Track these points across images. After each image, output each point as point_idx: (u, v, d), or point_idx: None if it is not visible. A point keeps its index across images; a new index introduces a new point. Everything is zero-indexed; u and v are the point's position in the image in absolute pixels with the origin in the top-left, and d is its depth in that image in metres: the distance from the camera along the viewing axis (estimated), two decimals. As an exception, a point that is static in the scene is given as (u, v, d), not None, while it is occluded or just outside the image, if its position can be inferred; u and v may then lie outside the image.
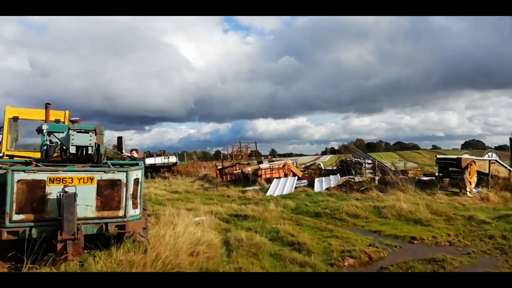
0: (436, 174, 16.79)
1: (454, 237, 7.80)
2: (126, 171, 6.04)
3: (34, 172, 5.53)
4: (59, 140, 6.24)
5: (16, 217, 5.45)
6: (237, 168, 23.90)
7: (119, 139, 8.38)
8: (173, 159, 33.73)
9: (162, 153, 35.03)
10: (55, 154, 6.50)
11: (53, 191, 5.59)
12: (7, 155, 7.14)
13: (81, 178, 5.78)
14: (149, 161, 31.36)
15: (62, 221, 5.34)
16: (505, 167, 15.00)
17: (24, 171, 5.49)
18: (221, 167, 27.72)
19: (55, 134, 6.22)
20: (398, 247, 7.24)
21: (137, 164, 6.74)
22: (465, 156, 14.50)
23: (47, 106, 6.93)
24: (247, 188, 18.78)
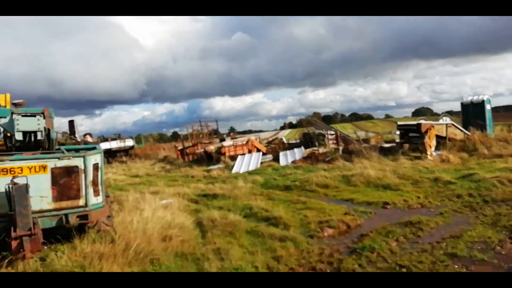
0: (397, 140, 17.27)
1: (424, 199, 7.95)
2: (84, 156, 5.45)
3: (-25, 164, 4.81)
4: (2, 126, 5.48)
5: (-43, 216, 4.74)
6: (199, 148, 23.29)
7: (71, 122, 7.63)
8: (129, 142, 32.33)
9: (118, 136, 33.41)
10: (-1, 143, 5.75)
11: (1, 183, 4.92)
12: None
13: (32, 167, 5.13)
14: (104, 146, 29.74)
15: (15, 216, 4.73)
16: (461, 130, 15.66)
17: (-39, 163, 4.75)
18: (181, 147, 26.95)
19: (-4, 119, 5.45)
20: (373, 213, 7.26)
21: (94, 148, 6.13)
22: (424, 121, 14.93)
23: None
24: (211, 167, 18.36)
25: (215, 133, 28.14)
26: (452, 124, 15.58)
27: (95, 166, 5.72)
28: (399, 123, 15.97)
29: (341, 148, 17.27)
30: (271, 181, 11.79)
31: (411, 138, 14.95)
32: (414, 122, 15.30)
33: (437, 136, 14.75)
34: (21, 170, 5.06)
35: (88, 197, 5.53)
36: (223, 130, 30.77)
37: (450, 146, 14.96)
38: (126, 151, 31.50)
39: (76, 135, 7.81)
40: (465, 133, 15.80)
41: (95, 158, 5.73)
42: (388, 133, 33.46)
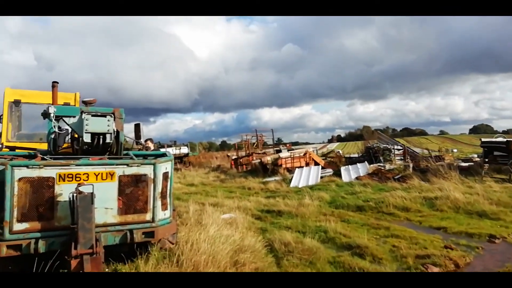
0: (475, 159, 15.44)
1: (540, 234, 6.54)
2: (154, 164, 4.84)
3: (40, 168, 4.34)
4: (70, 127, 5.03)
5: (18, 226, 4.27)
6: (254, 158, 22.66)
7: (137, 126, 7.14)
8: (184, 149, 32.66)
9: (173, 143, 33.93)
10: (65, 145, 5.30)
11: (64, 191, 4.41)
12: (6, 147, 5.92)
13: (99, 173, 4.59)
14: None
15: (77, 231, 4.17)
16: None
17: (27, 166, 4.29)
18: (236, 157, 26.52)
19: (64, 119, 5.00)
20: (480, 248, 5.99)
21: (165, 155, 5.53)
22: (516, 139, 13.11)
23: (54, 85, 5.69)
24: (267, 179, 17.58)
25: (273, 144, 27.38)
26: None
27: (165, 176, 5.11)
28: (483, 139, 14.20)
29: (411, 165, 15.73)
30: (339, 199, 10.70)
31: (497, 157, 13.16)
32: (503, 139, 13.48)
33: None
34: (87, 176, 4.53)
35: (156, 211, 4.89)
36: (270, 141, 29.94)
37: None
38: (181, 158, 31.77)
39: (141, 140, 7.32)
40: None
41: (166, 166, 5.12)
42: (445, 151, 30.96)
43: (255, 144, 28.39)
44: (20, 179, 4.25)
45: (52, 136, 4.92)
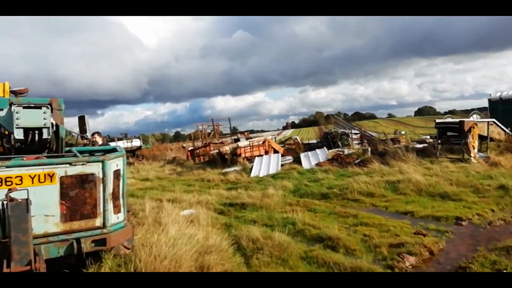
0: (428, 140, 15.95)
1: (502, 213, 6.64)
2: (103, 161, 4.18)
3: (-43, 172, 3.54)
4: None
5: None
6: (212, 149, 22.03)
7: (81, 119, 6.33)
8: (136, 142, 31.15)
9: (124, 136, 32.24)
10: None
11: (-8, 198, 3.65)
12: None
13: (35, 175, 3.87)
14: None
15: (10, 245, 3.46)
16: (502, 129, 14.30)
17: None
18: (192, 148, 25.71)
19: (-12, 112, 4.17)
20: (450, 232, 5.94)
21: (115, 150, 4.86)
22: (467, 119, 13.59)
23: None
24: (227, 170, 17.08)
25: (230, 133, 26.81)
26: (494, 122, 14.22)
27: (116, 174, 4.46)
28: (437, 120, 14.59)
29: (369, 149, 15.92)
30: (302, 188, 10.47)
31: (451, 137, 13.59)
32: (455, 120, 13.94)
33: (479, 136, 13.42)
34: (21, 180, 3.80)
35: (107, 215, 4.26)
36: (225, 130, 29.44)
37: (492, 147, 13.62)
38: (133, 151, 30.30)
39: (87, 134, 6.52)
40: (506, 132, 14.45)
41: (117, 163, 4.47)
42: (394, 133, 32.38)
43: (212, 134, 27.70)
44: None
45: (-28, 133, 4.08)
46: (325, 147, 17.66)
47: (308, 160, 16.16)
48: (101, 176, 4.17)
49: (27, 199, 3.53)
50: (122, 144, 30.00)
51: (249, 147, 19.23)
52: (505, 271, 4.22)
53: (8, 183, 3.72)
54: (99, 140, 8.52)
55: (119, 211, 4.50)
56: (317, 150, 17.50)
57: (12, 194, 3.52)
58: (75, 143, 6.54)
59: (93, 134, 8.65)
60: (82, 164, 4.06)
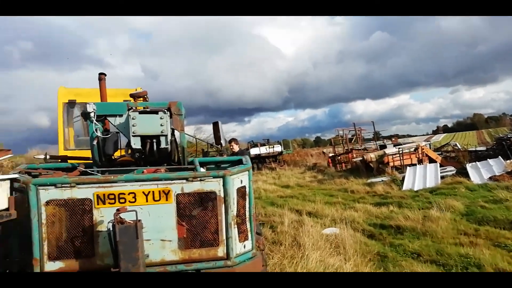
0: None
1: None
2: (223, 176, 3.34)
3: (71, 186, 3.14)
4: (117, 129, 3.81)
5: (50, 265, 3.13)
6: (355, 155, 20.30)
7: (215, 125, 5.78)
8: (278, 148, 31.46)
9: (266, 142, 33.00)
10: (118, 153, 4.14)
11: (106, 217, 3.17)
12: (54, 158, 4.96)
13: (149, 192, 3.25)
14: (254, 151, 29.59)
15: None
16: None
17: (54, 185, 3.13)
18: (333, 154, 24.40)
19: (110, 119, 3.80)
20: None
21: (240, 162, 4.02)
22: None
23: (101, 77, 4.58)
24: (373, 180, 15.23)
25: (375, 138, 24.55)
26: None
27: (241, 192, 3.59)
28: None
29: None
30: (478, 210, 8.08)
31: None
32: None
33: None
34: (134, 197, 3.22)
35: (231, 243, 3.40)
36: (367, 135, 26.93)
37: None
38: (275, 157, 30.69)
39: (222, 141, 5.91)
40: None
41: (241, 178, 3.60)
42: None
43: (353, 139, 25.83)
44: (48, 203, 3.11)
45: (95, 142, 3.73)
46: (500, 156, 14.12)
47: (479, 172, 13.07)
48: (222, 194, 3.35)
49: (136, 222, 2.91)
50: (265, 150, 30.75)
51: (398, 155, 16.88)
52: None
53: (121, 201, 3.19)
54: (235, 147, 8.04)
55: (245, 239, 3.62)
56: (489, 160, 14.12)
57: (122, 215, 2.97)
58: (206, 151, 6.07)
59: (229, 142, 8.23)
60: (200, 180, 3.30)
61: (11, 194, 3.10)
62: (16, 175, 3.16)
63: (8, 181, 3.06)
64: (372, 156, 17.98)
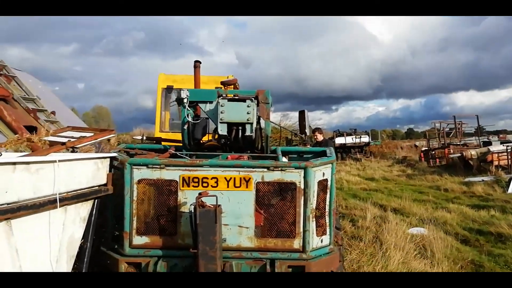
0: None
1: None
2: (305, 168, 3.26)
3: (161, 168, 3.34)
4: (207, 115, 3.95)
5: (138, 239, 3.41)
6: (452, 151, 18.55)
7: (301, 114, 5.70)
8: (365, 138, 30.15)
9: (353, 132, 31.85)
10: (206, 138, 4.31)
11: (189, 199, 3.32)
12: (150, 139, 5.38)
13: (230, 178, 3.31)
14: (339, 140, 28.81)
15: (197, 257, 3.01)
16: None
17: (146, 165, 3.36)
18: (426, 148, 22.63)
19: (201, 105, 3.95)
20: None
21: (324, 154, 3.89)
22: None
23: (196, 65, 4.77)
24: (471, 179, 13.77)
25: (478, 133, 22.12)
26: None
27: (322, 185, 3.49)
28: None
29: None
30: None
31: None
32: None
33: None
34: (216, 182, 3.32)
35: (308, 237, 3.33)
36: (469, 130, 24.19)
37: None
38: (361, 147, 29.53)
39: (306, 130, 5.81)
40: None
41: (323, 171, 3.48)
42: None
43: (452, 134, 23.55)
44: (139, 181, 3.37)
45: (185, 127, 3.91)
46: None
47: None
48: (302, 186, 3.27)
49: (216, 207, 3.00)
50: (350, 139, 29.73)
51: (505, 153, 14.97)
52: None
53: (204, 185, 3.30)
54: (319, 137, 7.84)
55: (323, 233, 3.52)
56: None
57: (204, 199, 3.07)
58: (290, 140, 6.02)
59: (314, 131, 8.06)
60: (281, 170, 3.26)
61: (110, 171, 3.40)
62: (115, 154, 3.45)
63: (108, 159, 3.35)
64: (472, 152, 16.23)
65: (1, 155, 2.60)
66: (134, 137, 8.31)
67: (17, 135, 4.11)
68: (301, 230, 3.32)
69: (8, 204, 2.04)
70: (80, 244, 2.98)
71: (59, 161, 2.53)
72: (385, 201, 10.17)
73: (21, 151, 3.56)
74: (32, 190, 2.25)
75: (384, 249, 5.16)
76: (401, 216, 8.05)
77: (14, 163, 2.13)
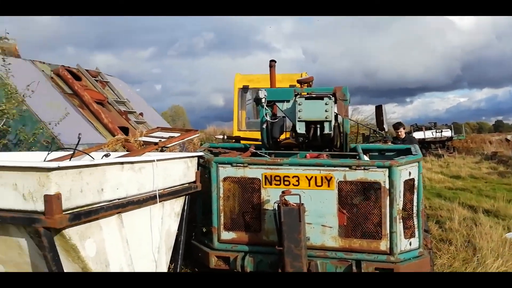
0: None
1: None
2: (390, 167, 3.15)
3: (244, 166, 3.47)
4: (284, 114, 4.00)
5: (225, 235, 3.59)
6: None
7: (378, 109, 5.49)
8: (447, 133, 27.93)
9: (433, 125, 29.68)
10: (283, 136, 4.36)
11: (272, 197, 3.40)
12: (231, 138, 5.57)
13: (311, 177, 3.33)
14: (418, 135, 27.07)
15: (283, 254, 3.07)
16: None
17: (231, 164, 3.51)
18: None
19: (278, 104, 4.01)
20: None
21: (408, 151, 3.72)
22: None
23: (271, 64, 4.85)
24: None
25: None
26: None
27: (409, 185, 3.34)
28: None
29: None
30: None
31: None
32: None
33: None
34: (298, 180, 3.35)
35: (395, 239, 3.22)
36: None
37: None
38: (443, 142, 27.42)
39: (384, 126, 5.59)
40: None
41: (409, 170, 3.33)
42: None
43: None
44: (225, 179, 3.54)
45: (264, 126, 4.00)
46: None
47: None
48: (387, 186, 3.16)
49: (299, 206, 3.03)
50: (430, 134, 27.81)
51: None
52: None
53: (286, 183, 3.36)
54: (402, 133, 7.46)
55: (412, 235, 3.37)
56: None
57: (287, 197, 3.13)
58: (367, 138, 5.84)
59: (396, 126, 7.61)
60: (364, 169, 3.19)
61: (197, 169, 3.61)
62: (202, 153, 3.67)
63: (196, 158, 3.56)
64: None
65: (110, 155, 2.90)
66: (216, 137, 8.71)
67: (116, 136, 4.55)
68: (388, 231, 3.22)
69: (119, 199, 2.29)
70: (175, 237, 3.23)
71: (157, 160, 2.76)
72: (475, 202, 9.34)
73: (117, 151, 3.95)
74: (137, 187, 2.50)
75: (479, 255, 4.78)
76: (495, 219, 7.36)
77: (122, 163, 2.38)
